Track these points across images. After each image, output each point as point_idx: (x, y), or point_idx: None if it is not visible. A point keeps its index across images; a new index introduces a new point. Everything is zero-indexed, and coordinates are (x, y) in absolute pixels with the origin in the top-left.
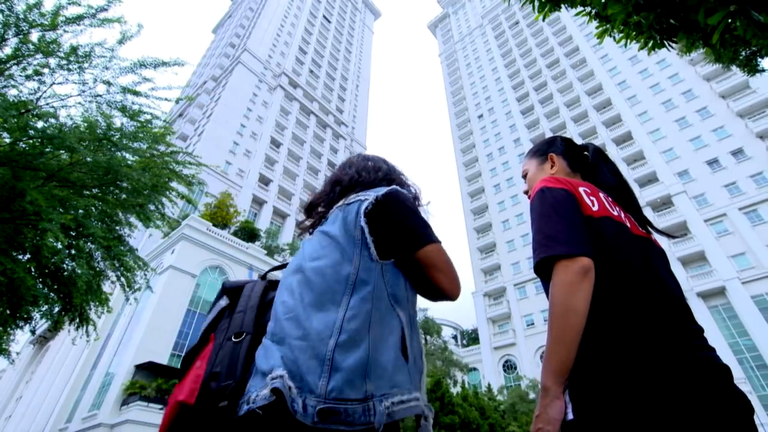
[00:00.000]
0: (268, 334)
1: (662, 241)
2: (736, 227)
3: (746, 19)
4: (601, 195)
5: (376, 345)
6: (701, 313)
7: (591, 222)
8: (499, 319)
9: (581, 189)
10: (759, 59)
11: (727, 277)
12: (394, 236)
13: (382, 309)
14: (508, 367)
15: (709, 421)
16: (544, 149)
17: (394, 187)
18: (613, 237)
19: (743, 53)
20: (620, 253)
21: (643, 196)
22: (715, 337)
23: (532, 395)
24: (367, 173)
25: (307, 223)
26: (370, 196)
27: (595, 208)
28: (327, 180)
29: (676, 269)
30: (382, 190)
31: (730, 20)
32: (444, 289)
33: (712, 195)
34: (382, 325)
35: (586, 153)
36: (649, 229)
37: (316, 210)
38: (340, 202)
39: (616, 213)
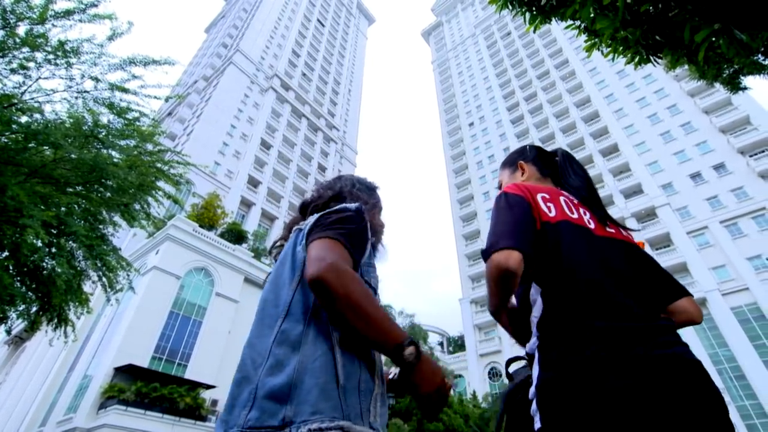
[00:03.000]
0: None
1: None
2: (717, 240)
3: (729, 38)
4: (562, 199)
5: (304, 367)
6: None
7: (547, 227)
8: (486, 326)
9: (540, 195)
10: (741, 77)
11: (708, 288)
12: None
13: (317, 330)
14: (494, 374)
15: (670, 421)
16: (514, 158)
17: (341, 205)
18: (569, 240)
19: (726, 71)
20: (576, 255)
21: (629, 208)
22: (695, 347)
23: None
24: (321, 193)
25: (279, 241)
26: (314, 217)
27: (552, 213)
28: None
29: None
30: (325, 211)
31: (714, 38)
32: (306, 278)
33: (695, 208)
34: (314, 347)
35: (557, 158)
36: (619, 227)
37: (289, 228)
38: (299, 224)
39: (575, 216)
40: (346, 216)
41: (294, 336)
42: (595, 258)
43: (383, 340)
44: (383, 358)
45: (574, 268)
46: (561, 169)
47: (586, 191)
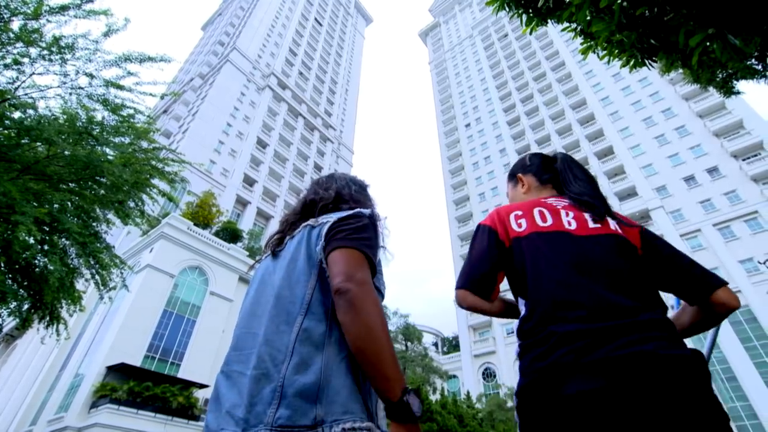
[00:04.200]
0: (228, 363)
1: None
2: (709, 243)
3: (723, 43)
4: (537, 210)
5: (330, 367)
6: None
7: (514, 243)
8: (480, 327)
9: (513, 215)
10: (735, 81)
11: None
12: (327, 247)
13: (338, 330)
14: (488, 375)
15: (631, 425)
16: (514, 171)
17: (356, 210)
18: (533, 249)
19: (720, 75)
20: (543, 263)
21: (623, 210)
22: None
23: (510, 403)
24: (325, 195)
25: (277, 236)
26: (333, 218)
27: (521, 228)
28: (298, 200)
29: None
30: (343, 213)
31: (708, 43)
32: (333, 287)
33: (688, 211)
34: (337, 347)
35: (556, 165)
36: (620, 222)
37: (284, 226)
38: (308, 222)
39: (548, 223)
40: (365, 224)
41: (317, 336)
42: (567, 260)
43: (390, 376)
44: None
45: (539, 275)
46: (561, 176)
47: (586, 195)
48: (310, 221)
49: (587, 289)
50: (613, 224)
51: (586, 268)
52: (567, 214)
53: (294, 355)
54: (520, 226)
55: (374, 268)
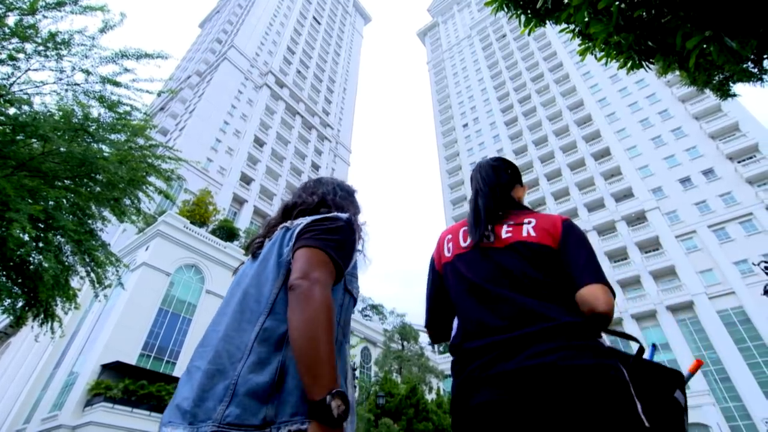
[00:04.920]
0: (192, 359)
1: (636, 254)
2: (704, 244)
3: (719, 45)
4: (462, 230)
5: (286, 368)
6: (670, 326)
7: (444, 268)
8: None
9: (446, 238)
10: (731, 84)
11: (695, 291)
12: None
13: None
14: None
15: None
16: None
17: (333, 213)
18: (450, 271)
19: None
20: (452, 285)
21: (619, 211)
22: (682, 349)
23: None
24: (306, 198)
25: (258, 239)
26: (307, 220)
27: (448, 254)
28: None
29: (648, 283)
30: (318, 216)
31: (705, 45)
32: (289, 283)
33: (684, 212)
34: None
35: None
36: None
37: (268, 227)
38: (286, 224)
39: (465, 244)
40: (338, 227)
41: (277, 335)
42: (464, 281)
43: (319, 374)
44: (352, 365)
45: (453, 297)
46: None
47: (476, 206)
48: (287, 223)
49: (479, 305)
50: (505, 231)
51: (477, 287)
52: (487, 230)
53: (252, 353)
54: (448, 250)
55: (341, 271)
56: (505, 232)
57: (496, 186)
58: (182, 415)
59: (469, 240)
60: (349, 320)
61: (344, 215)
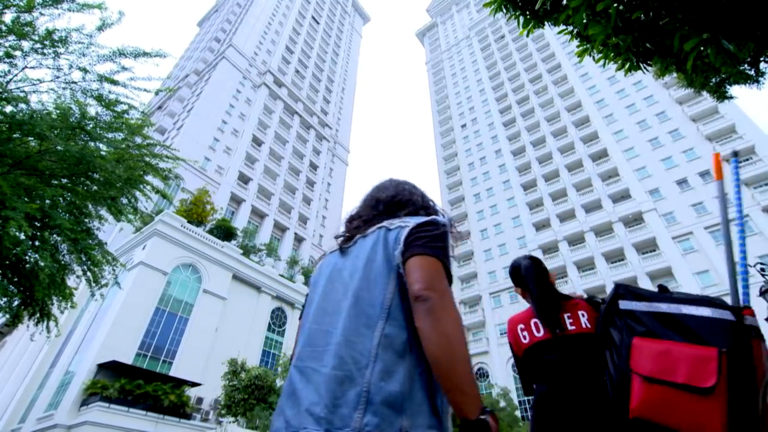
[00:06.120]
0: (301, 358)
1: (633, 255)
2: (701, 245)
3: (717, 48)
4: (533, 322)
5: (412, 378)
6: None
7: (525, 353)
8: (474, 327)
9: (519, 327)
10: (728, 86)
11: (692, 292)
12: (406, 252)
13: (418, 341)
14: (481, 375)
15: None
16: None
17: (433, 217)
18: (531, 358)
19: (713, 80)
20: (534, 373)
21: (616, 212)
22: None
23: (503, 403)
24: (402, 197)
25: (345, 234)
26: (410, 222)
27: (525, 341)
28: (366, 198)
29: (645, 284)
30: (420, 219)
31: (702, 47)
32: (412, 292)
33: (680, 214)
34: (416, 359)
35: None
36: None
37: (353, 223)
38: (384, 223)
39: (540, 334)
40: (443, 233)
41: (399, 343)
42: (542, 361)
43: (467, 392)
44: None
45: (535, 376)
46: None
47: (539, 305)
48: (385, 223)
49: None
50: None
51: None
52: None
53: (378, 360)
54: (524, 338)
55: (450, 278)
56: (569, 324)
57: (546, 285)
58: (316, 421)
59: (542, 331)
60: None
61: (443, 219)
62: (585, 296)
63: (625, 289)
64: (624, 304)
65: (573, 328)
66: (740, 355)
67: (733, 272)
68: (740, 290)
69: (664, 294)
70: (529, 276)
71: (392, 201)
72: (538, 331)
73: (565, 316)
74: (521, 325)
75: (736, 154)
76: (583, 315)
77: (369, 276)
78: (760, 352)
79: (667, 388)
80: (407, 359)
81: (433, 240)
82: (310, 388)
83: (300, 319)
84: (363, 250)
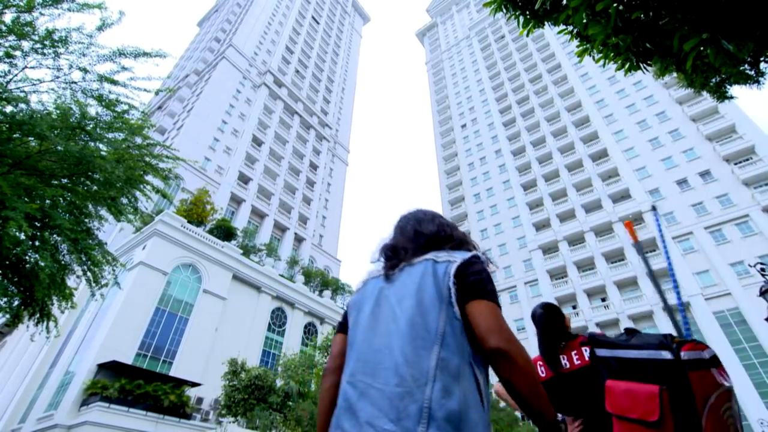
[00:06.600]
0: (354, 374)
1: (633, 255)
2: (701, 245)
3: (717, 48)
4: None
5: (466, 400)
6: (666, 327)
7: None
8: None
9: (537, 363)
10: (728, 86)
11: (691, 293)
12: (467, 293)
13: (470, 368)
14: None
15: None
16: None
17: (474, 253)
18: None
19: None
20: (554, 402)
21: (617, 212)
22: None
23: (502, 404)
24: (444, 233)
25: (387, 262)
26: (457, 258)
27: (543, 374)
28: (405, 229)
29: (645, 283)
30: (467, 255)
31: (702, 47)
32: (482, 337)
33: (680, 214)
34: (470, 383)
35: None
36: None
37: (397, 253)
38: (429, 255)
39: (544, 375)
40: (490, 274)
41: (453, 367)
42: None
43: (545, 412)
44: None
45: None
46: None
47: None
48: (431, 255)
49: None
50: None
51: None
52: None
53: (437, 380)
54: (543, 371)
55: None
56: (564, 362)
57: (552, 331)
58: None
59: (545, 372)
60: None
61: (482, 256)
62: (598, 332)
63: (594, 340)
64: (599, 352)
65: (567, 366)
66: (678, 389)
67: (670, 312)
68: (682, 327)
69: (622, 339)
70: (537, 325)
71: (436, 237)
72: (543, 372)
73: (564, 356)
74: (540, 362)
75: (654, 208)
76: (586, 350)
77: (422, 303)
78: (700, 382)
79: (630, 423)
80: (461, 382)
81: (488, 283)
82: (366, 402)
83: (336, 333)
84: (411, 278)
